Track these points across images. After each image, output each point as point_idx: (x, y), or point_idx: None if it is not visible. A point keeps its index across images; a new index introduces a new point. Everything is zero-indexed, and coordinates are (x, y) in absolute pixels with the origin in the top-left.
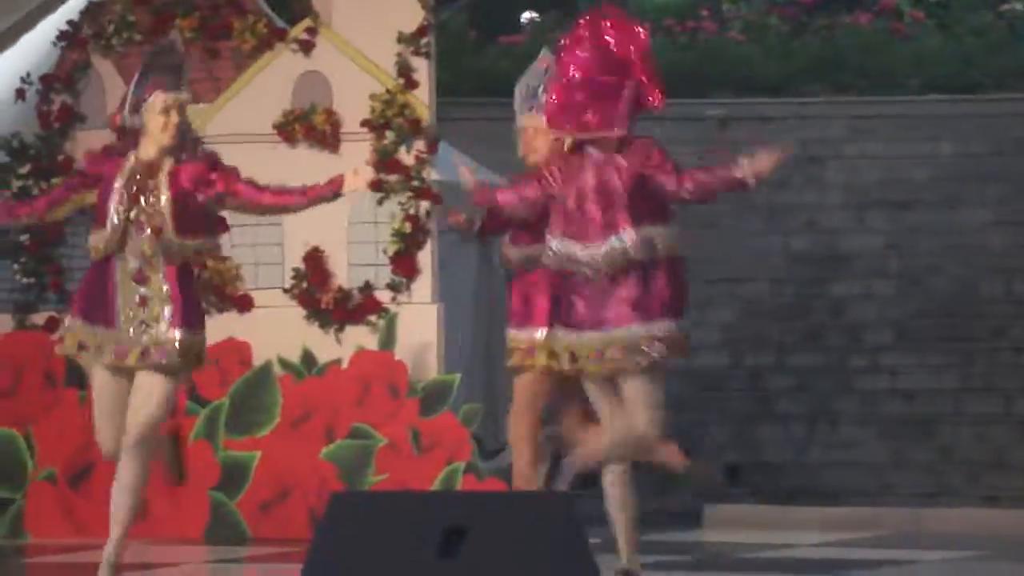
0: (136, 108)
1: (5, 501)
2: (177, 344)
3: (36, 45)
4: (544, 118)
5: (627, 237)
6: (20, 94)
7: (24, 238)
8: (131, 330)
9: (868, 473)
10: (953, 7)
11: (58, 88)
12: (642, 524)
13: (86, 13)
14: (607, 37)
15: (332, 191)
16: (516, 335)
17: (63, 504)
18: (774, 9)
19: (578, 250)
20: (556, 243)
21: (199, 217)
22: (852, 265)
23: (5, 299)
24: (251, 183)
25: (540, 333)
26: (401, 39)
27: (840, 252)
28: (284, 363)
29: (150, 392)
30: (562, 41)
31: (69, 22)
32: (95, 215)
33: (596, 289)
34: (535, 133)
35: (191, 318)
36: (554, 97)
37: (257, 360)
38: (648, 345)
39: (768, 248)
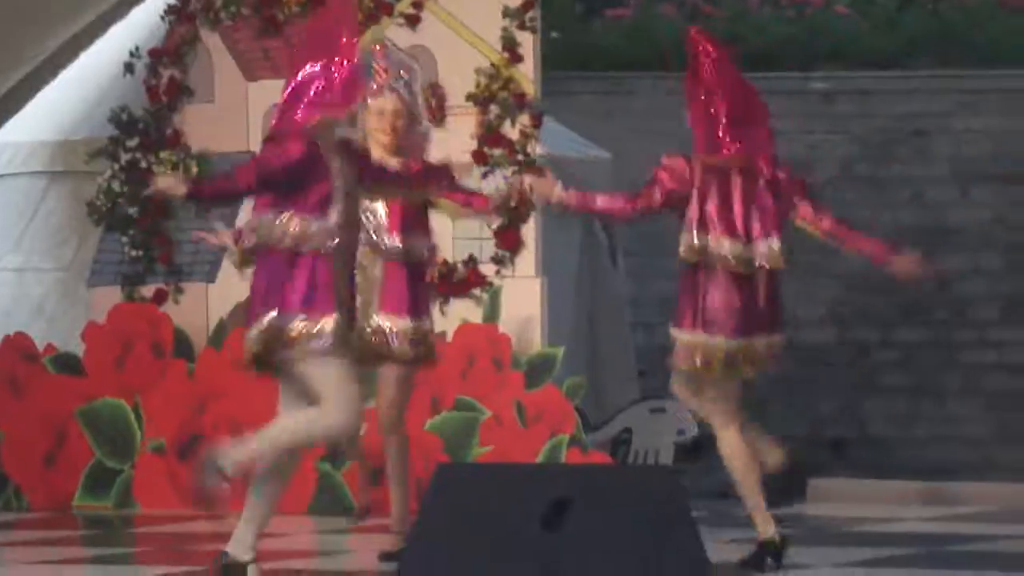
0: None
1: (114, 471)
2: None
3: (144, 19)
4: None
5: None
6: (128, 68)
7: (133, 211)
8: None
9: (973, 448)
10: None
11: (166, 62)
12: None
13: None
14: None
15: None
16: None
17: (171, 475)
18: None
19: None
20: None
21: None
22: (958, 239)
23: (114, 272)
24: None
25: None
26: (507, 13)
27: (946, 226)
28: None
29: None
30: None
31: None
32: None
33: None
34: None
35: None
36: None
37: None
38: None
39: (874, 222)
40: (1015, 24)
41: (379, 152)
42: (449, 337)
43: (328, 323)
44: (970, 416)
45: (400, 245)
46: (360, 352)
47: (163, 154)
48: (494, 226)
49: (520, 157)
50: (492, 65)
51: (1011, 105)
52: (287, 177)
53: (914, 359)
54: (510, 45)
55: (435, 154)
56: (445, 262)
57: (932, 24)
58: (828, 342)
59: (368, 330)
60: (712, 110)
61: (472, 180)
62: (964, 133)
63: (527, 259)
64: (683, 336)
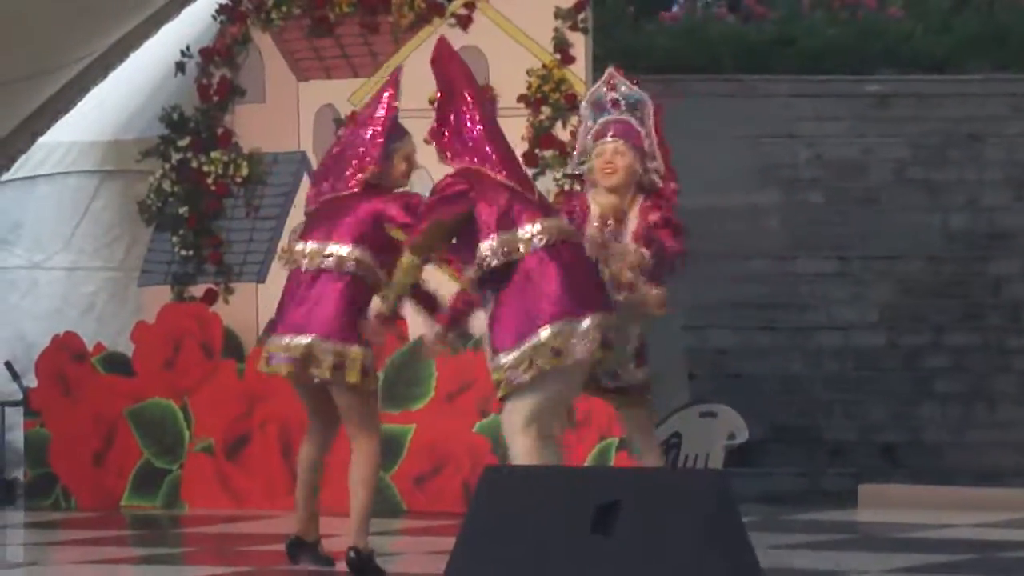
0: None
1: (163, 471)
2: None
3: (196, 18)
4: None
5: None
6: (180, 67)
7: (183, 211)
8: None
9: None
10: None
11: (217, 62)
12: (798, 503)
13: None
14: None
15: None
16: None
17: (220, 475)
18: None
19: None
20: None
21: None
22: (1012, 243)
23: (164, 271)
24: None
25: None
26: (559, 14)
27: (999, 230)
28: None
29: None
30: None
31: None
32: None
33: None
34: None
35: None
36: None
37: (412, 335)
38: None
39: (927, 226)
40: None
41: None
42: None
43: None
44: (1023, 422)
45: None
46: None
47: (214, 154)
48: None
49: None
50: (543, 66)
51: None
52: None
53: (967, 364)
54: (562, 46)
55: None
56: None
57: (986, 26)
58: (881, 347)
59: None
60: None
61: None
62: (1018, 137)
63: None
64: None
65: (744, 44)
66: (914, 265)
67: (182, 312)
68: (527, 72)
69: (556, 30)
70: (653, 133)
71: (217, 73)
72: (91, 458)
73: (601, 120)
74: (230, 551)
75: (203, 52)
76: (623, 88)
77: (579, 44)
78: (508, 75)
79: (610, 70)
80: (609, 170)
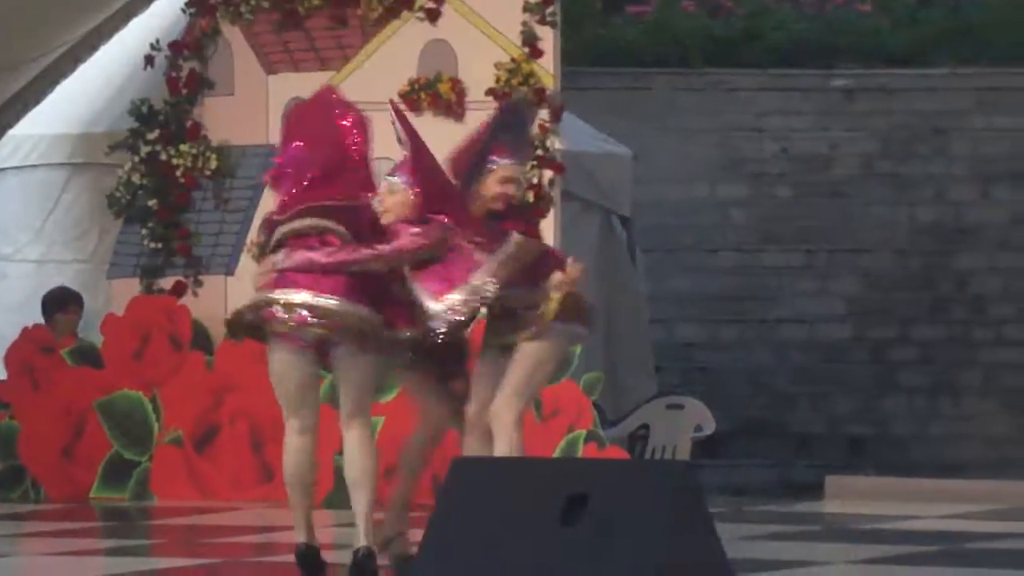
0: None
1: (132, 463)
2: None
3: (165, 12)
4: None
5: None
6: (149, 60)
7: (152, 203)
8: None
9: (990, 446)
10: None
11: (186, 55)
12: (765, 495)
13: None
14: None
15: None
16: None
17: (188, 466)
18: None
19: None
20: None
21: None
22: (978, 237)
23: (133, 264)
24: None
25: None
26: (527, 8)
27: (966, 224)
28: None
29: None
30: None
31: None
32: None
33: None
34: None
35: None
36: None
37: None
38: None
39: (893, 219)
40: None
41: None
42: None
43: None
44: (988, 414)
45: None
46: None
47: (183, 146)
48: None
49: (539, 152)
50: (512, 60)
51: None
52: None
53: (932, 357)
54: (530, 40)
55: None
56: None
57: (952, 21)
58: (847, 339)
59: None
60: None
61: None
62: (984, 131)
63: None
64: None
65: (712, 38)
66: (880, 258)
67: (151, 304)
68: (495, 66)
69: (524, 24)
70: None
71: (186, 66)
72: (60, 450)
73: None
74: (199, 543)
75: (172, 45)
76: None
77: (547, 38)
78: (476, 68)
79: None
80: (503, 199)
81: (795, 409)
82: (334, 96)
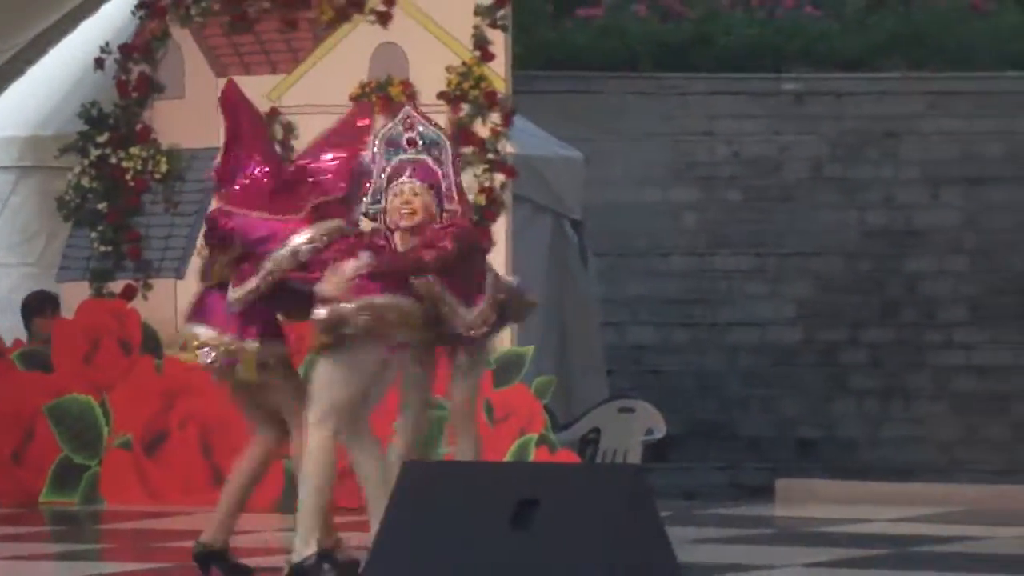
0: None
1: (81, 467)
2: None
3: (115, 14)
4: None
5: None
6: (99, 63)
7: (102, 207)
8: None
9: (940, 449)
10: None
11: (136, 57)
12: (715, 498)
13: None
14: None
15: None
16: None
17: (138, 471)
18: None
19: None
20: None
21: None
22: (927, 241)
23: (83, 267)
24: None
25: None
26: (478, 11)
27: (915, 228)
28: None
29: None
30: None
31: None
32: None
33: None
34: None
35: None
36: None
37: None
38: None
39: (843, 223)
40: (985, 27)
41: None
42: None
43: None
44: (937, 417)
45: None
46: None
47: (133, 149)
48: None
49: (491, 155)
50: (463, 63)
51: (981, 108)
52: None
53: (882, 360)
54: (481, 43)
55: None
56: None
57: (902, 25)
58: (797, 343)
59: None
60: None
61: None
62: (934, 135)
63: (497, 258)
64: None
65: (663, 42)
66: (831, 262)
67: (101, 308)
68: (447, 69)
69: (476, 27)
70: (452, 174)
71: (136, 69)
72: (9, 454)
73: (396, 159)
74: (148, 547)
75: (122, 48)
76: (420, 128)
77: (499, 41)
78: (428, 72)
79: (407, 109)
80: (407, 211)
81: (745, 412)
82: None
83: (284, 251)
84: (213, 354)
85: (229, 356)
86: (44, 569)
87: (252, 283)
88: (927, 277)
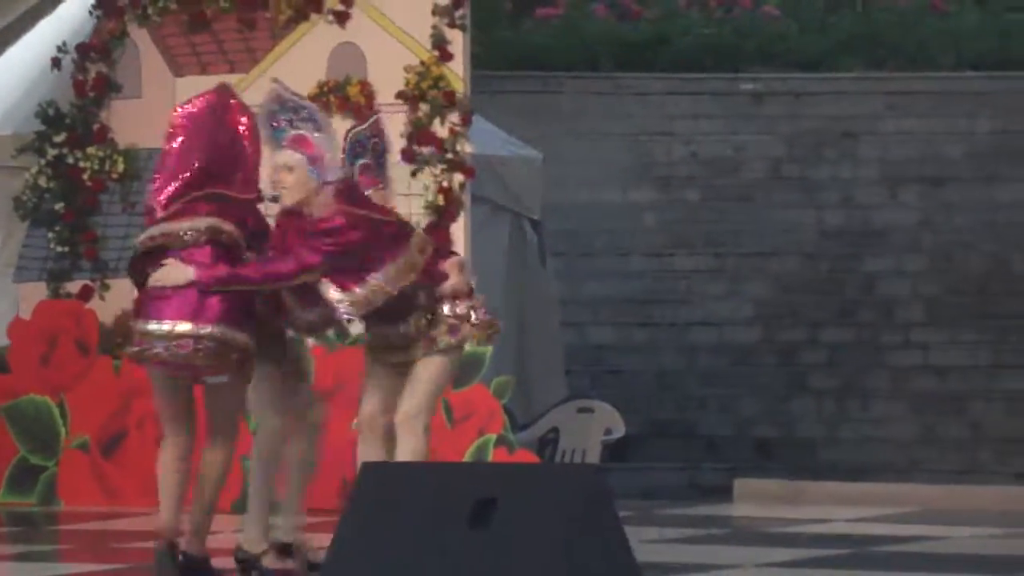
0: None
1: (39, 468)
2: None
3: (72, 14)
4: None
5: None
6: (56, 63)
7: (59, 207)
8: None
9: (898, 449)
10: None
11: (94, 57)
12: (674, 498)
13: None
14: None
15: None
16: None
17: (96, 472)
18: None
19: None
20: None
21: None
22: (885, 241)
23: (40, 267)
24: None
25: None
26: (436, 11)
27: (873, 228)
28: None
29: None
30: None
31: None
32: None
33: None
34: None
35: None
36: None
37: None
38: None
39: (801, 223)
40: (943, 27)
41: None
42: None
43: None
44: (896, 417)
45: None
46: None
47: (90, 149)
48: (423, 225)
49: (449, 155)
50: (422, 63)
51: (939, 108)
52: None
53: (840, 360)
54: (440, 43)
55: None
56: None
57: (860, 26)
58: (755, 343)
59: None
60: None
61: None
62: (892, 135)
63: None
64: None
65: (621, 42)
66: (789, 262)
67: (58, 308)
68: (405, 69)
69: (434, 27)
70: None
71: (93, 69)
72: None
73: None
74: (106, 548)
75: (79, 48)
76: (287, 97)
77: (457, 41)
78: (386, 71)
79: (275, 86)
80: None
81: (704, 412)
82: (231, 97)
83: None
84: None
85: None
86: (1, 570)
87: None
88: (885, 277)
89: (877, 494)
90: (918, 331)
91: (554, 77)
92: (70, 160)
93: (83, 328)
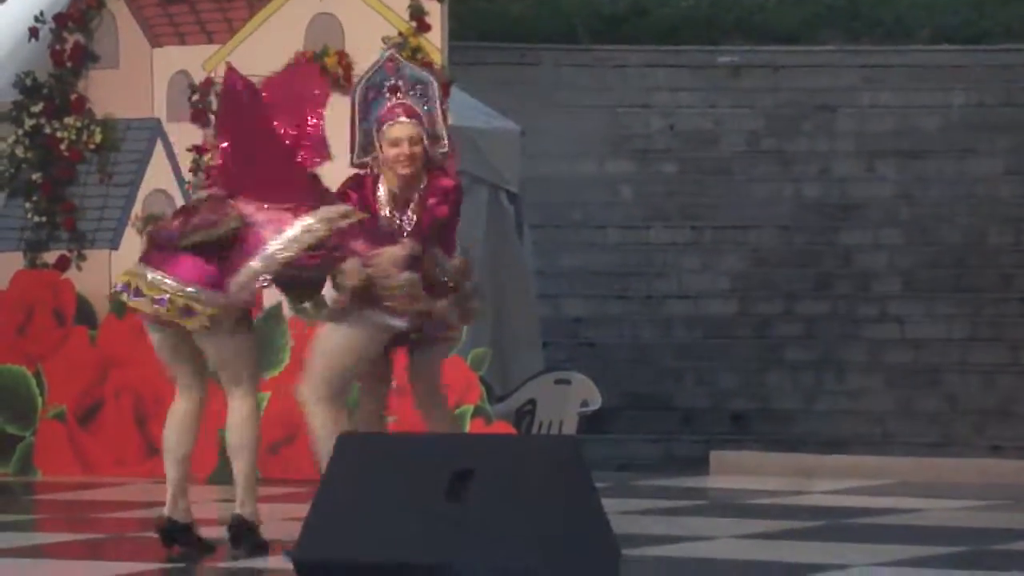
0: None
1: (15, 438)
2: None
3: None
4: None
5: None
6: (33, 33)
7: (36, 177)
8: None
9: (874, 422)
10: None
11: (71, 27)
12: (650, 470)
13: None
14: None
15: None
16: None
17: (72, 442)
18: None
19: None
20: None
21: None
22: (862, 214)
23: (17, 238)
24: None
25: None
26: None
27: (850, 200)
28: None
29: None
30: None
31: None
32: None
33: None
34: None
35: None
36: None
37: (268, 302)
38: None
39: (778, 196)
40: (920, 0)
41: (395, 182)
42: None
43: None
44: (872, 390)
45: None
46: None
47: (67, 120)
48: None
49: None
50: (399, 34)
51: (916, 81)
52: None
53: (817, 333)
54: (417, 14)
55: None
56: None
57: None
58: (732, 315)
59: None
60: None
61: None
62: (870, 108)
63: None
64: None
65: (599, 14)
66: (765, 235)
67: (35, 279)
68: (383, 40)
69: None
70: (438, 113)
71: (71, 39)
72: None
73: (385, 107)
74: (83, 518)
75: (57, 18)
76: (407, 70)
77: (435, 12)
78: (364, 43)
79: (392, 52)
80: (406, 160)
81: (680, 384)
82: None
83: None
84: (167, 299)
85: (187, 305)
86: None
87: (257, 266)
88: (862, 250)
89: (853, 466)
90: (894, 304)
91: (531, 49)
92: (47, 130)
93: (60, 298)
